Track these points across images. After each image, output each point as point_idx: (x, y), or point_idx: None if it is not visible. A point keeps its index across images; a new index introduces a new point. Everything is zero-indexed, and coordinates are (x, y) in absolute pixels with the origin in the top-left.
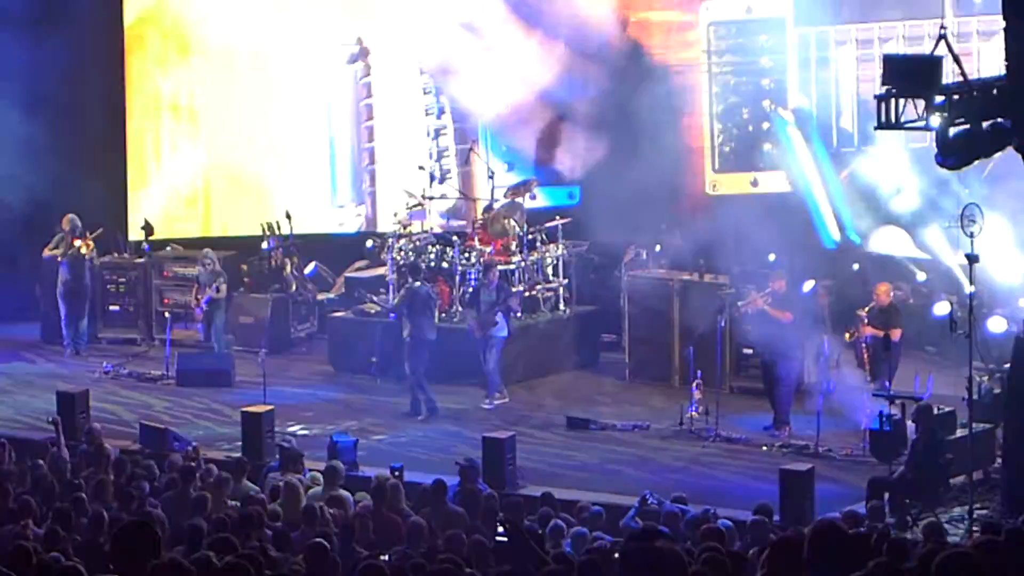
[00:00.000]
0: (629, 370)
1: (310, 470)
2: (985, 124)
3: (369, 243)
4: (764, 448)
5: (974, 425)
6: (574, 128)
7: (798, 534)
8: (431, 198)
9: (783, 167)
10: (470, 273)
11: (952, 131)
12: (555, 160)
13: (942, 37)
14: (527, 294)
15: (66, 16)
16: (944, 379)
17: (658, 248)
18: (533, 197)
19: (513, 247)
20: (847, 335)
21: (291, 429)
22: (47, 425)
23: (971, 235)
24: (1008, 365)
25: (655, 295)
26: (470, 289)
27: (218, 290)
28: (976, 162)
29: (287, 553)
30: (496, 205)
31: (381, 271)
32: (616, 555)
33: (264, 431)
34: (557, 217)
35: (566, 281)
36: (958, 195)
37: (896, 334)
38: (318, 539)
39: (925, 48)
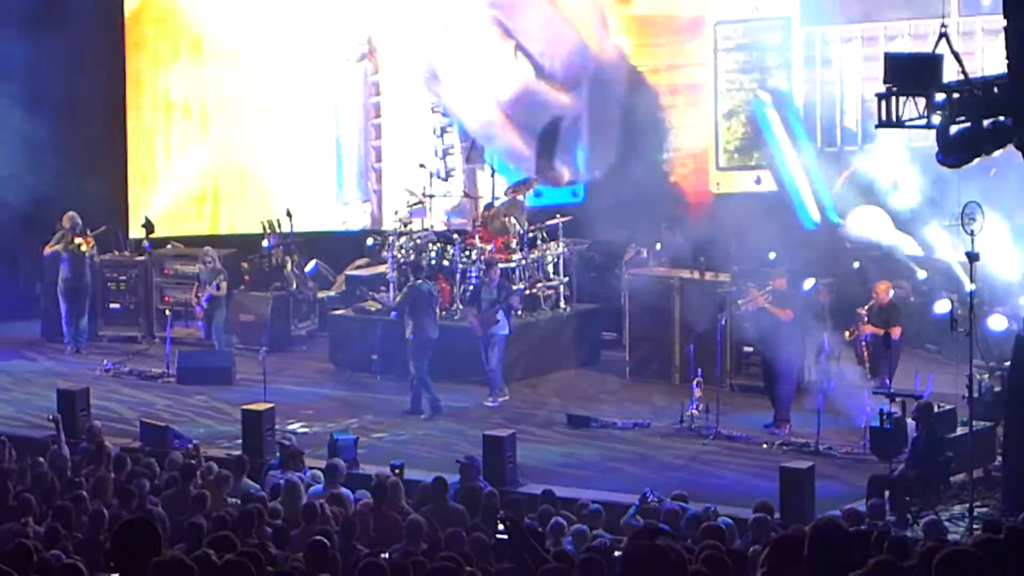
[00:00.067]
0: (630, 368)
1: (310, 468)
2: (986, 122)
3: (370, 241)
4: (764, 446)
5: (974, 423)
6: (572, 133)
7: (798, 532)
8: (432, 196)
9: (760, 148)
10: (471, 271)
11: (953, 129)
12: (554, 167)
13: (943, 35)
14: (528, 292)
15: (66, 14)
16: (944, 377)
17: (659, 246)
18: (539, 195)
19: (514, 245)
20: (847, 333)
21: (291, 427)
22: (48, 423)
23: (971, 233)
24: (1008, 363)
25: (656, 293)
26: (470, 287)
27: (218, 288)
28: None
29: (287, 551)
30: (497, 203)
31: (382, 269)
32: (616, 553)
33: (265, 429)
34: (558, 215)
35: (567, 279)
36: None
37: (896, 332)
38: (318, 537)
39: (931, 47)
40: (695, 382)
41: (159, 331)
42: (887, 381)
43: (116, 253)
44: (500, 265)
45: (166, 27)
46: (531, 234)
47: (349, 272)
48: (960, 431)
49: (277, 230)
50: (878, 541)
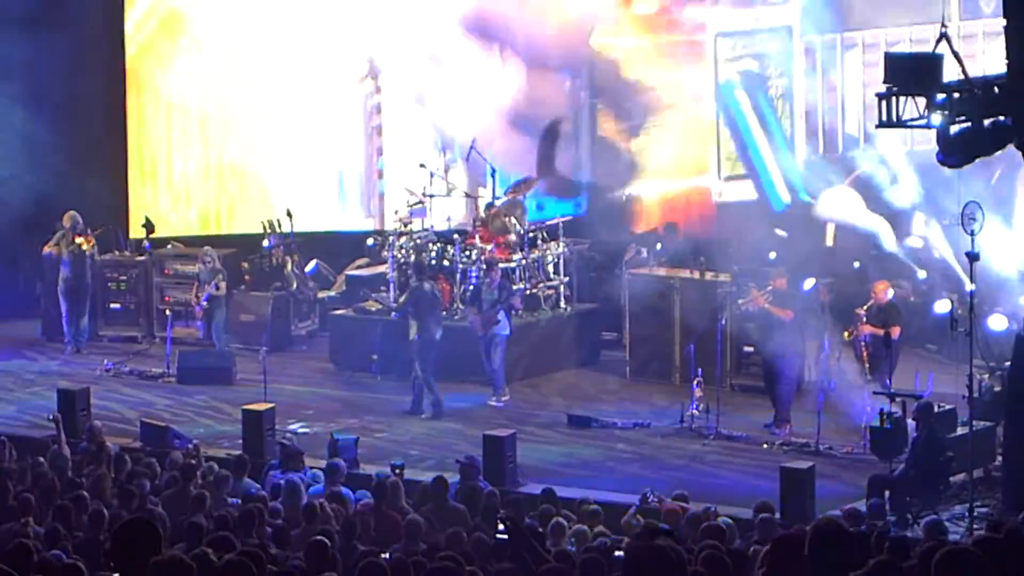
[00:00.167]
0: (630, 368)
1: (311, 468)
2: (986, 122)
3: (370, 241)
4: (765, 446)
5: (975, 423)
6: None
7: (799, 532)
8: (432, 196)
9: (730, 129)
10: (471, 271)
11: (953, 129)
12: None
13: (943, 36)
14: (528, 292)
15: (66, 14)
16: (945, 377)
17: (659, 246)
18: (540, 208)
19: (514, 245)
20: (846, 334)
21: (292, 427)
22: (48, 423)
23: (971, 233)
24: (1009, 363)
25: (656, 293)
26: (471, 287)
27: (217, 287)
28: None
29: (287, 550)
30: (497, 203)
31: (382, 269)
32: (617, 553)
33: (265, 429)
34: (557, 215)
35: (567, 279)
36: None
37: (895, 332)
38: (319, 537)
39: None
40: (695, 382)
41: (159, 331)
42: (887, 381)
43: (116, 253)
44: (500, 265)
45: (166, 27)
46: (531, 234)
47: (349, 272)
48: (960, 431)
49: (277, 230)
50: (878, 541)
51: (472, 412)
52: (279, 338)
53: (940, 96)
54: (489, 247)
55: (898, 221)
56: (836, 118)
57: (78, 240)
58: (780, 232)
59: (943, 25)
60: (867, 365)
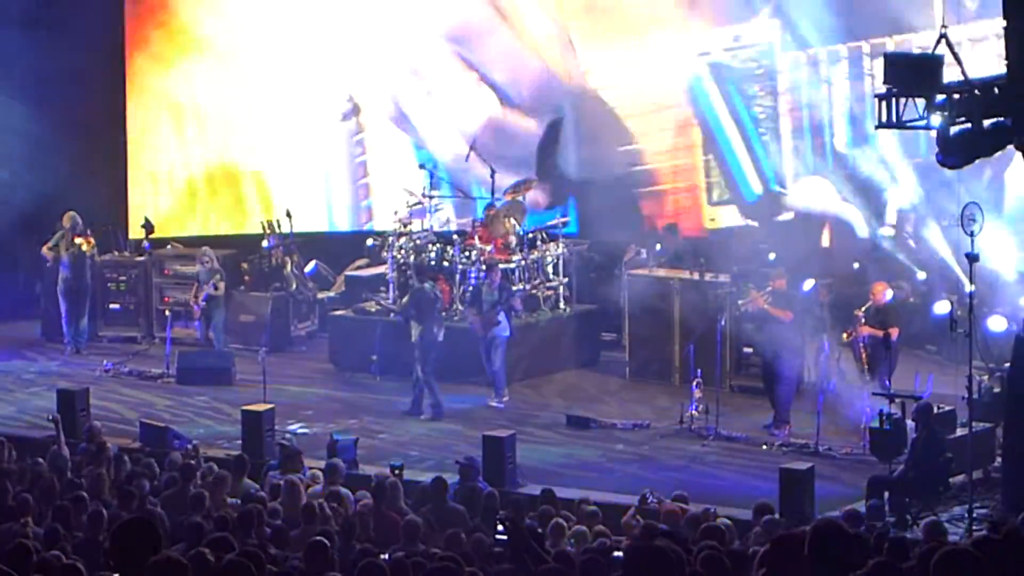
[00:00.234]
0: (629, 369)
1: (310, 468)
2: (986, 123)
3: (369, 242)
4: (764, 447)
5: (974, 424)
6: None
7: (799, 532)
8: (431, 197)
9: (699, 121)
10: (470, 272)
11: (953, 130)
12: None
13: (943, 37)
14: (528, 292)
15: (66, 14)
16: (944, 378)
17: (658, 247)
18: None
19: (513, 246)
20: (844, 335)
21: (291, 427)
22: (47, 423)
23: (971, 234)
24: (1008, 364)
25: (655, 294)
26: (470, 288)
27: (216, 287)
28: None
29: (287, 551)
30: (497, 204)
31: (381, 269)
32: (616, 553)
33: (264, 429)
34: (557, 216)
35: (566, 280)
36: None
37: (894, 333)
38: (318, 537)
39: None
40: (695, 383)
41: (159, 331)
42: (886, 382)
43: (116, 253)
44: (500, 266)
45: (166, 27)
46: (531, 235)
47: (349, 272)
48: (960, 432)
49: (277, 230)
50: (877, 542)
51: (472, 413)
52: (279, 339)
53: (940, 97)
54: (488, 248)
55: (874, 209)
56: (824, 132)
57: (78, 241)
58: (771, 255)
59: (943, 26)
60: (866, 366)
